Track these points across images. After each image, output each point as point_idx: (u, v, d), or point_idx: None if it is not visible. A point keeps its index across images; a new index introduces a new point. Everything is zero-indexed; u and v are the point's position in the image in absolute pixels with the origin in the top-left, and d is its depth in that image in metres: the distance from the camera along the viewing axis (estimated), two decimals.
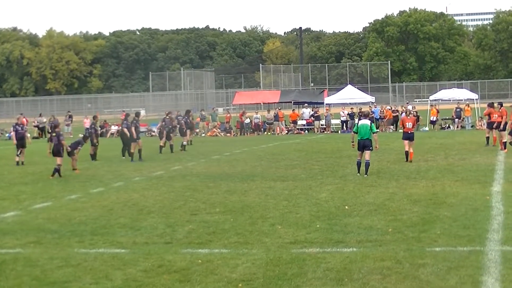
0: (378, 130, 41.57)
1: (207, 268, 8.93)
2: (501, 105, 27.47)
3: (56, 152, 20.70)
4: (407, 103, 51.59)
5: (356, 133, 18.79)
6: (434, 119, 43.59)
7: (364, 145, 18.53)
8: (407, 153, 21.90)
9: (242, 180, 18.24)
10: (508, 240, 10.03)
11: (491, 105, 28.66)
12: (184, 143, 30.95)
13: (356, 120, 23.24)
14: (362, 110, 30.36)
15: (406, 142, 21.93)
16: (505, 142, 24.40)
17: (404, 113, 35.13)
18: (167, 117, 31.86)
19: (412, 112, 26.46)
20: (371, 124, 18.93)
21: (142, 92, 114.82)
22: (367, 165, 18.47)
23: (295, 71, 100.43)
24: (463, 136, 35.00)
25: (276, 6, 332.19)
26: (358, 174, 18.41)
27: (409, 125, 22.12)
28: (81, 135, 31.36)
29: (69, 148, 21.24)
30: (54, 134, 21.54)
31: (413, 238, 10.31)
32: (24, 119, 41.02)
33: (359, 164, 18.63)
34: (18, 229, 12.05)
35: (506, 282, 7.95)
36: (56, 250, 10.26)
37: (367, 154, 18.56)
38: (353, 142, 19.08)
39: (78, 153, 22.46)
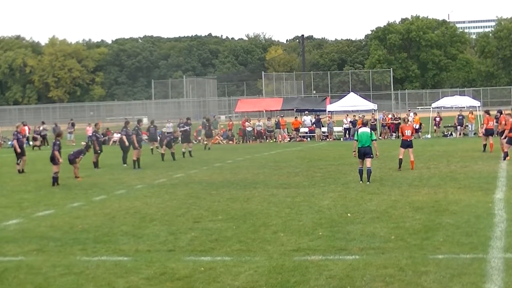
0: (380, 137, 42.06)
1: (209, 276, 8.92)
2: (501, 113, 27.43)
3: (52, 160, 20.69)
4: (409, 110, 51.50)
5: (357, 141, 18.80)
6: (417, 127, 43.27)
7: (364, 152, 18.53)
8: (401, 160, 21.73)
9: (245, 188, 18.24)
10: (511, 247, 10.01)
11: (487, 113, 28.81)
12: (187, 149, 31.14)
13: (357, 128, 23.20)
14: (364, 118, 30.31)
15: (403, 150, 21.85)
16: (506, 151, 24.13)
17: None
18: (152, 126, 32.91)
19: (410, 120, 26.31)
20: (371, 131, 18.95)
21: (145, 99, 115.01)
22: (369, 172, 18.47)
23: (297, 79, 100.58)
24: (465, 143, 34.97)
25: (278, 14, 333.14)
26: (361, 182, 18.40)
27: (408, 132, 22.07)
28: (83, 143, 31.45)
29: (60, 160, 20.74)
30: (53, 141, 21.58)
31: (416, 246, 10.29)
32: (25, 127, 41.04)
33: (361, 172, 18.64)
34: (20, 237, 12.06)
35: None
36: (58, 258, 10.26)
37: (368, 162, 18.56)
38: (354, 151, 19.09)
39: (79, 161, 22.49)
